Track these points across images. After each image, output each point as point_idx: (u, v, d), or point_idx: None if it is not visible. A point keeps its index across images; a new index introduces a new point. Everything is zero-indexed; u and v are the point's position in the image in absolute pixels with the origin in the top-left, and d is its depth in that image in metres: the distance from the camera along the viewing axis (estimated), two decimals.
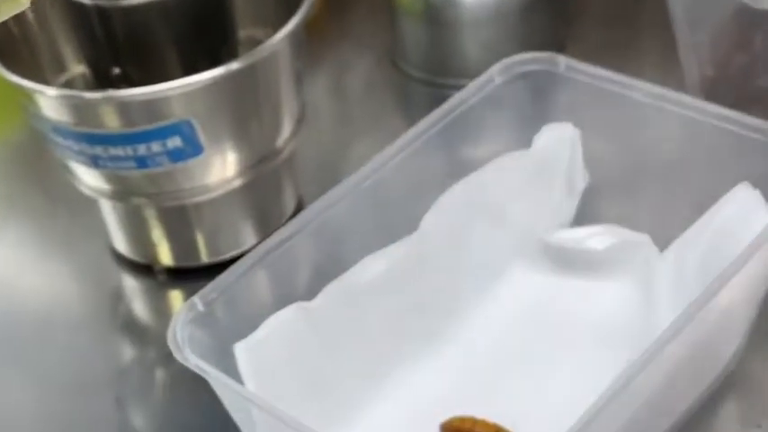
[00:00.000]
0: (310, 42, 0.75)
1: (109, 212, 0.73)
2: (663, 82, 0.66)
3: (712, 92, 0.77)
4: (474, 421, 0.57)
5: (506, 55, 0.66)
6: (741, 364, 0.61)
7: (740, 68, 0.77)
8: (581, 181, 0.66)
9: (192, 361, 0.49)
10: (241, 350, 0.53)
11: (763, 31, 0.75)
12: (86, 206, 0.74)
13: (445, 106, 0.64)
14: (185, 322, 0.51)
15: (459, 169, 0.65)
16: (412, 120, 0.77)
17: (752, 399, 0.60)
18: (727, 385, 0.60)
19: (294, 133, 0.72)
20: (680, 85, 0.76)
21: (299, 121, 0.73)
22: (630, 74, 0.64)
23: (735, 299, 0.56)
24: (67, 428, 0.65)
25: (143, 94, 0.63)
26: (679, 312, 0.51)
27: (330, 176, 0.73)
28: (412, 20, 0.86)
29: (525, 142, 0.66)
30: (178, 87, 0.63)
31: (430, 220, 0.62)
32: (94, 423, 0.65)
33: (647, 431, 0.56)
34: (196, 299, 0.52)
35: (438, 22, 0.84)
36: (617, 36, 0.89)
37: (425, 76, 0.87)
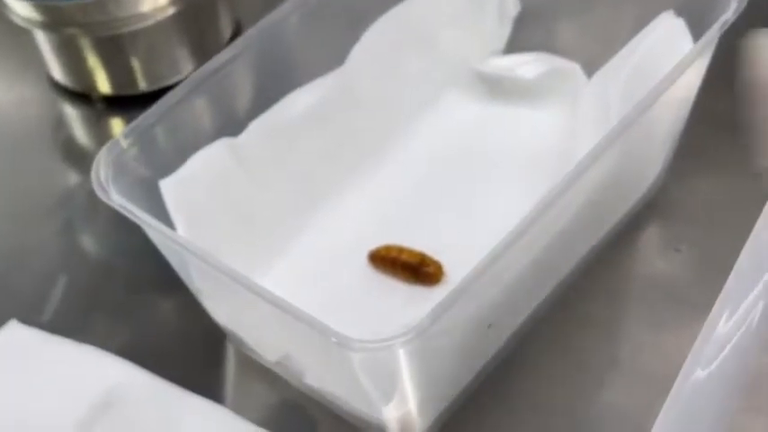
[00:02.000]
0: None
1: (44, 43, 0.73)
2: None
3: None
4: (400, 249, 0.58)
5: None
6: (662, 191, 0.62)
7: None
8: (512, 8, 0.66)
9: (117, 201, 0.49)
10: (167, 186, 0.54)
11: None
12: (23, 36, 0.73)
13: None
14: (108, 161, 0.51)
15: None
16: None
17: (672, 223, 0.62)
18: (649, 211, 0.62)
19: None
20: None
21: None
22: None
23: (655, 125, 0.57)
24: (14, 253, 0.66)
25: None
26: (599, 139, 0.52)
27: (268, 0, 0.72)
28: None
29: None
30: None
31: (359, 52, 0.61)
32: (40, 247, 0.66)
33: (569, 253, 0.58)
34: (120, 137, 0.52)
35: None
36: None
37: None
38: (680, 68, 0.53)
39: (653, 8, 0.60)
